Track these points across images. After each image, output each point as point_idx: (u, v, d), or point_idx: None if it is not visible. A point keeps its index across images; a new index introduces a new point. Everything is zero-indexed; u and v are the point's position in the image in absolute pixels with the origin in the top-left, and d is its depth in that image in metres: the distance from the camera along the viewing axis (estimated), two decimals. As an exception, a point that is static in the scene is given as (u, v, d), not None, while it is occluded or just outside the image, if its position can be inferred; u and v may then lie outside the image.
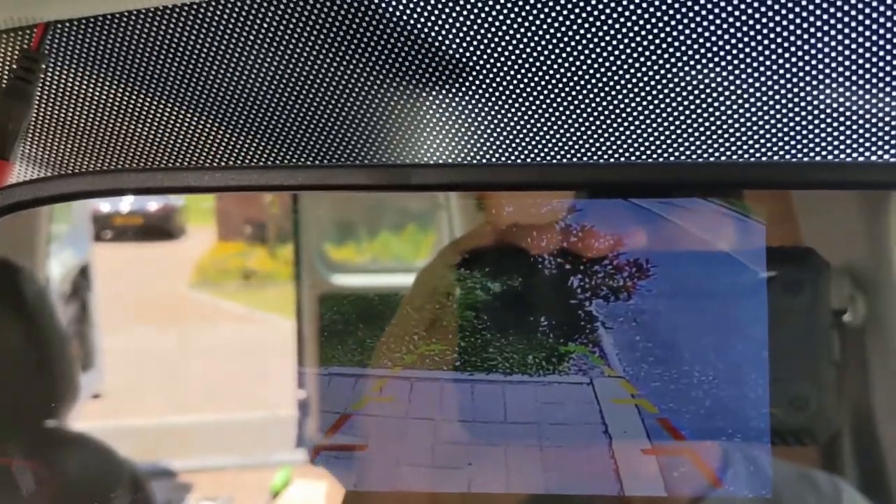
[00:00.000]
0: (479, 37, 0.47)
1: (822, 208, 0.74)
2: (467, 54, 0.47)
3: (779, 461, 0.62)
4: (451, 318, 0.29)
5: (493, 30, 0.47)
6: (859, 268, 0.75)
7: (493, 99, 0.49)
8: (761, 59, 0.45)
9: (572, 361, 0.34)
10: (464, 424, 0.30)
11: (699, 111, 0.48)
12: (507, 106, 0.49)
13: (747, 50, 0.45)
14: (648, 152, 0.51)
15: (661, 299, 0.29)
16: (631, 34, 0.46)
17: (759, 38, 0.45)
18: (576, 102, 0.49)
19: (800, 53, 0.45)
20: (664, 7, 0.44)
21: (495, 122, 0.51)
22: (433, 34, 0.47)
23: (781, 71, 0.46)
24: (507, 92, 0.49)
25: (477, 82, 0.49)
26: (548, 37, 0.47)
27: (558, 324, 0.31)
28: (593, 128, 0.49)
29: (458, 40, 0.47)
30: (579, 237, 0.29)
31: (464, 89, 0.50)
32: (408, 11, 0.45)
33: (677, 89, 0.47)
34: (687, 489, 0.58)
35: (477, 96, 0.49)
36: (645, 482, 0.57)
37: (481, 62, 0.47)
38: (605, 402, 0.35)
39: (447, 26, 0.47)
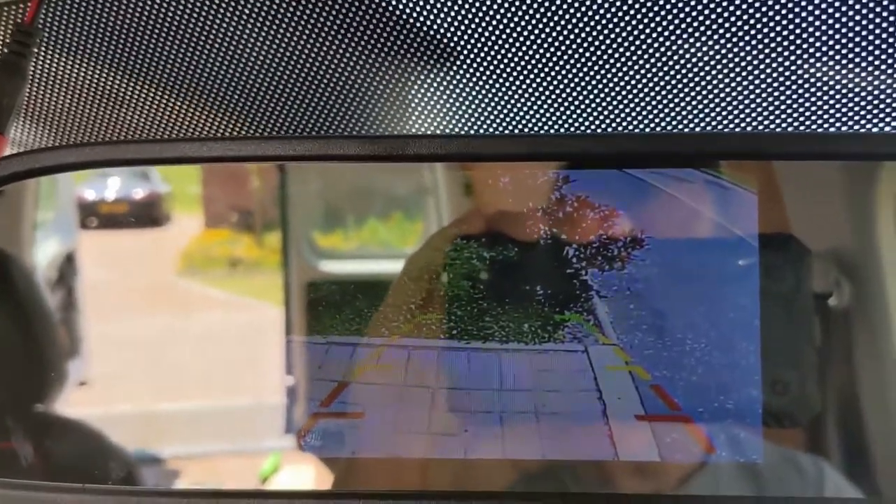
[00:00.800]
0: (472, 8, 0.47)
1: (807, 192, 0.75)
2: (460, 26, 0.47)
3: (764, 441, 0.62)
4: (440, 302, 0.29)
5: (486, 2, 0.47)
6: (844, 252, 0.75)
7: (487, 71, 0.49)
8: (746, 28, 0.45)
9: (567, 329, 0.34)
10: (461, 392, 0.31)
11: (687, 82, 0.48)
12: (500, 78, 0.49)
13: (732, 19, 0.45)
14: (637, 123, 0.51)
15: (654, 269, 0.29)
16: (616, 6, 0.46)
17: (743, 7, 0.45)
18: (567, 75, 0.49)
19: (784, 23, 0.46)
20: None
21: (489, 93, 0.51)
22: (427, 5, 0.47)
23: (767, 41, 0.46)
24: (501, 64, 0.49)
25: (470, 55, 0.49)
26: (538, 15, 0.47)
27: (553, 293, 0.31)
28: (582, 99, 0.50)
29: (450, 12, 0.47)
30: (572, 210, 0.29)
31: (456, 61, 0.50)
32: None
33: (664, 60, 0.47)
34: (680, 455, 0.59)
35: (471, 69, 0.49)
36: (638, 448, 0.58)
37: (474, 34, 0.47)
38: (599, 369, 0.35)
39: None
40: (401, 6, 0.49)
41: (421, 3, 0.48)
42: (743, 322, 0.29)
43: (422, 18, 0.50)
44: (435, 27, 0.50)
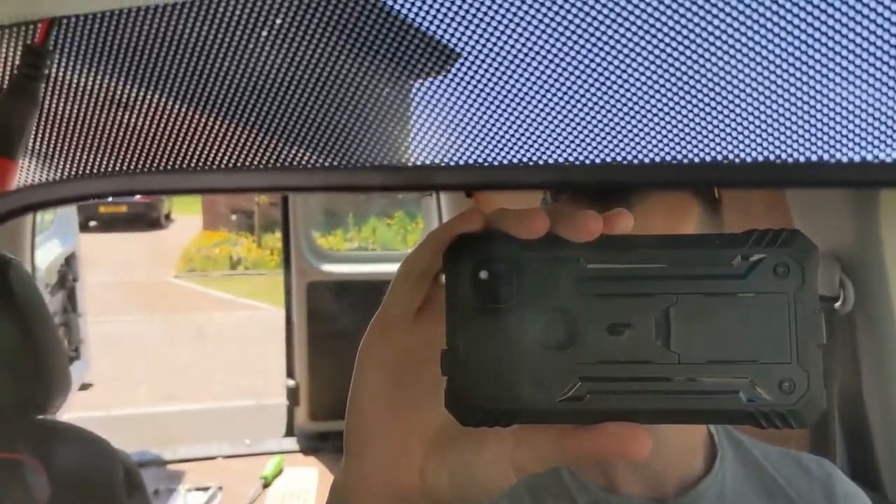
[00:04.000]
0: (487, 29, 0.47)
1: (812, 196, 0.75)
2: (469, 48, 0.47)
3: (768, 445, 0.62)
4: (439, 302, 0.29)
5: (503, 23, 0.47)
6: (849, 255, 0.75)
7: (507, 98, 0.49)
8: (755, 57, 0.46)
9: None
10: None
11: (700, 111, 0.48)
12: (521, 106, 0.50)
13: (745, 50, 0.45)
14: (653, 153, 0.51)
15: (689, 279, 0.28)
16: (623, 29, 0.46)
17: (752, 36, 0.46)
18: (586, 102, 0.49)
19: (790, 50, 0.46)
20: (661, 6, 0.45)
21: (509, 122, 0.51)
22: (440, 28, 0.47)
23: (772, 68, 0.46)
24: (521, 92, 0.49)
25: (490, 81, 0.49)
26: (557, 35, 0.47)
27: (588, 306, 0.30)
28: (606, 128, 0.50)
29: (460, 33, 0.47)
30: (575, 217, 0.29)
31: (479, 89, 0.50)
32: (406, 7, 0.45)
33: (676, 88, 0.47)
34: (723, 475, 0.59)
35: (491, 94, 0.50)
36: (682, 467, 0.58)
37: (491, 60, 0.47)
38: None
39: (453, 23, 0.47)
40: (423, 26, 0.49)
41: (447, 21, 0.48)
42: (780, 330, 0.29)
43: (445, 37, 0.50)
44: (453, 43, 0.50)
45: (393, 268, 0.36)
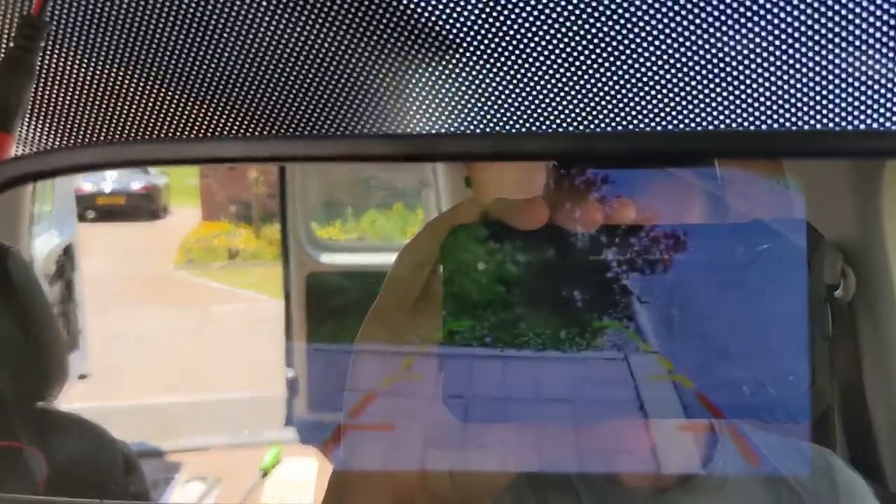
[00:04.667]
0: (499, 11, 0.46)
1: (814, 185, 0.74)
2: (475, 19, 0.47)
3: (767, 433, 0.62)
4: (437, 293, 0.29)
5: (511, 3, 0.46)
6: (851, 244, 0.75)
7: (512, 68, 0.48)
8: (764, 25, 0.45)
9: (607, 337, 0.33)
10: (496, 401, 0.29)
11: (707, 82, 0.48)
12: (526, 76, 0.49)
13: (757, 18, 0.45)
14: (649, 122, 0.51)
15: (698, 272, 0.27)
16: (637, 7, 0.46)
17: (751, 6, 0.45)
18: (590, 71, 0.48)
19: (798, 25, 0.45)
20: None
21: (515, 92, 0.50)
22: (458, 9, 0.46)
23: (777, 41, 0.46)
24: (526, 63, 0.49)
25: (495, 51, 0.48)
26: (559, 10, 0.47)
27: (592, 299, 0.29)
28: (609, 98, 0.49)
29: (478, 14, 0.46)
30: (611, 212, 0.28)
31: (482, 59, 0.49)
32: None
33: (685, 58, 0.47)
34: (724, 466, 0.58)
35: (496, 65, 0.49)
36: (682, 459, 0.57)
37: (497, 30, 0.47)
38: (640, 379, 0.34)
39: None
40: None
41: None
42: (790, 327, 0.28)
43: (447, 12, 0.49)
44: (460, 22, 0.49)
45: (392, 258, 0.36)
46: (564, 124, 0.49)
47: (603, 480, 0.55)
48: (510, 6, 0.46)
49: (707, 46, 0.46)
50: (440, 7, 0.47)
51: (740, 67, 0.46)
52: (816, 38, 0.44)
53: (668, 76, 0.47)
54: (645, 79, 0.47)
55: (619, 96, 0.47)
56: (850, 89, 0.47)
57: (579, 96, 0.47)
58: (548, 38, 0.47)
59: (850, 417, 0.84)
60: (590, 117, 0.48)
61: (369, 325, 0.33)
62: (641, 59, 0.46)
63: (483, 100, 0.49)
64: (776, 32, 0.45)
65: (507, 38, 0.47)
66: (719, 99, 0.47)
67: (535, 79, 0.48)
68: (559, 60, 0.48)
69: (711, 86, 0.47)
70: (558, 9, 0.46)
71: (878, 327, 0.80)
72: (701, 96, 0.47)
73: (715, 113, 0.48)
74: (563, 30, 0.47)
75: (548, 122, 0.49)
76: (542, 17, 0.46)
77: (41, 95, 0.54)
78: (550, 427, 0.28)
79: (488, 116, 0.49)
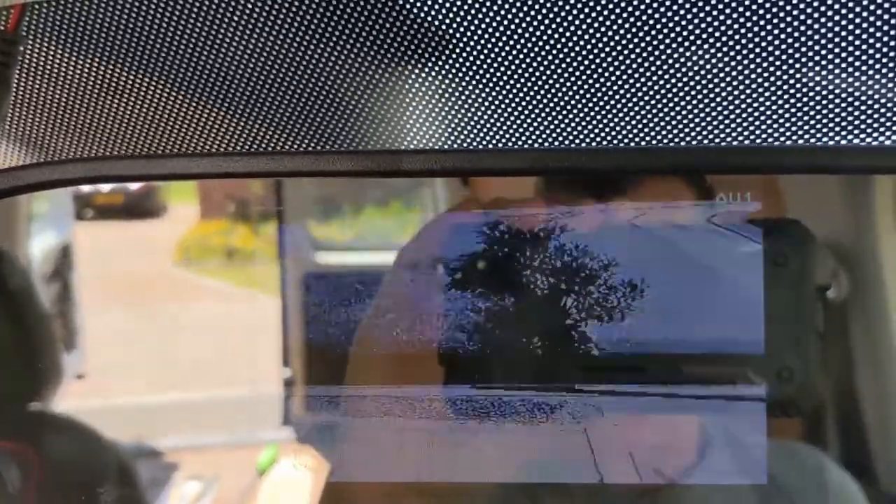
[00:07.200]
0: (468, 13, 0.46)
1: (806, 184, 0.74)
2: (452, 30, 0.47)
3: (765, 438, 0.62)
4: (437, 294, 0.29)
5: (482, 5, 0.46)
6: (843, 243, 0.75)
7: (482, 80, 0.48)
8: (745, 41, 0.45)
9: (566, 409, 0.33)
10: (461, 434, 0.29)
11: (688, 96, 0.48)
12: (496, 88, 0.49)
13: (730, 33, 0.45)
14: (633, 137, 0.51)
15: (656, 315, 0.28)
16: (617, 15, 0.45)
17: (741, 21, 0.45)
18: (565, 85, 0.48)
19: (782, 36, 0.46)
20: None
21: (484, 105, 0.50)
22: (422, 12, 0.46)
23: (764, 54, 0.46)
24: (496, 73, 0.49)
25: (464, 61, 0.48)
26: (536, 22, 0.47)
27: (549, 362, 0.30)
28: (585, 112, 0.49)
29: (445, 16, 0.46)
30: (565, 218, 0.28)
31: (451, 69, 0.49)
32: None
33: (665, 73, 0.47)
34: (715, 468, 0.58)
35: (465, 77, 0.49)
36: (672, 462, 0.57)
37: (467, 39, 0.47)
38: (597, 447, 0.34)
39: (436, 4, 0.46)
40: (395, 9, 0.48)
41: (422, 11, 0.47)
42: (750, 315, 0.29)
43: (420, 24, 0.49)
44: (433, 32, 0.49)
45: (390, 257, 0.36)
46: (541, 139, 0.49)
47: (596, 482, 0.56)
48: (489, 19, 0.46)
49: (693, 59, 0.46)
50: (412, 16, 0.48)
51: (728, 79, 0.46)
52: (803, 50, 0.45)
53: (654, 89, 0.47)
54: (621, 90, 0.46)
55: (603, 111, 0.47)
56: (837, 101, 0.47)
57: (557, 109, 0.47)
58: (526, 49, 0.47)
59: (841, 417, 0.85)
60: (569, 130, 0.48)
61: (368, 325, 0.33)
62: (629, 72, 0.46)
63: (461, 114, 0.49)
64: (762, 45, 0.45)
65: (486, 50, 0.47)
66: (703, 113, 0.47)
67: (515, 91, 0.48)
68: (538, 73, 0.48)
69: (699, 97, 0.47)
70: (540, 15, 0.46)
71: (870, 327, 0.80)
72: (685, 110, 0.47)
73: (699, 127, 0.48)
74: (542, 42, 0.47)
75: (525, 138, 0.49)
76: (524, 24, 0.46)
77: (16, 109, 0.54)
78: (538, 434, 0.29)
79: (460, 131, 0.49)
